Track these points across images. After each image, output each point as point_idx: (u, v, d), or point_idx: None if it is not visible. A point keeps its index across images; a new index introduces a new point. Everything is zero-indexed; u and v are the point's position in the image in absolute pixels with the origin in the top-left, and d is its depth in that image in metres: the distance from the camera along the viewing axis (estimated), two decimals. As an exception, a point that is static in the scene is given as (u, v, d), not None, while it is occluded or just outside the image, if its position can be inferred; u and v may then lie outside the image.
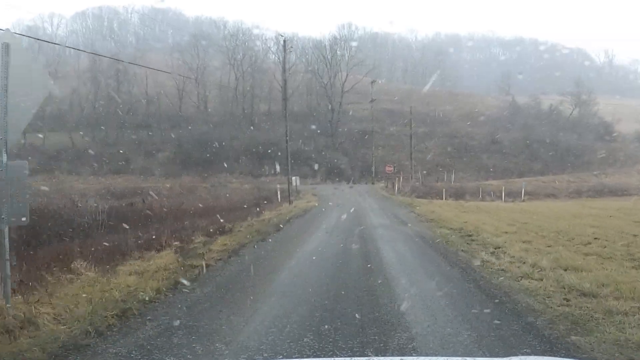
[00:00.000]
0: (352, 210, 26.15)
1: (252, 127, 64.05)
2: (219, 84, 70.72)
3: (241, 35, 73.08)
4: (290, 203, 30.16)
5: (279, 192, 39.39)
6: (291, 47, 55.33)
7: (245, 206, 33.01)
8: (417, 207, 27.24)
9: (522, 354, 4.70)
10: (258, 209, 28.99)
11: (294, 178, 43.76)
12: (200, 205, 33.17)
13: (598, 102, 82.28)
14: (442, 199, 42.52)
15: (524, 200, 38.67)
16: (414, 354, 4.93)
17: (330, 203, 32.05)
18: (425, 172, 58.04)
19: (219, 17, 69.56)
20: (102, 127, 65.60)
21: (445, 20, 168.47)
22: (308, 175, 56.70)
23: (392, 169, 49.30)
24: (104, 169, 59.89)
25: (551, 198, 50.70)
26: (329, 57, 66.67)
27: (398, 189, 42.44)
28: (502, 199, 43.31)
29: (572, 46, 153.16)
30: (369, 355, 4.80)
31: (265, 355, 5.03)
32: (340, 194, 41.48)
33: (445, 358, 4.51)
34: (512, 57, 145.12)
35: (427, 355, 4.97)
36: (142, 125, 67.90)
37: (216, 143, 61.76)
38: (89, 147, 65.07)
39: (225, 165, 58.34)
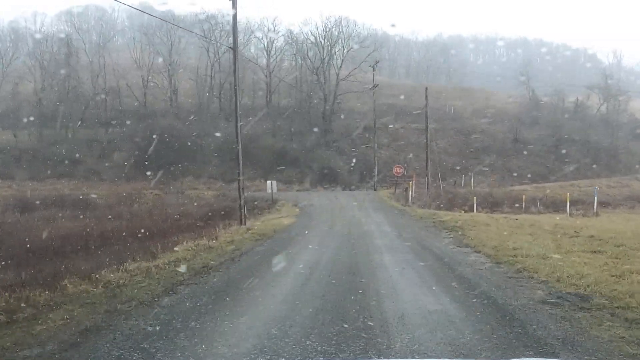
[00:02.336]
0: (346, 240, 12.97)
1: (227, 122, 50.95)
2: (195, 71, 57.76)
3: (220, 17, 59.89)
4: (242, 224, 16.95)
5: (243, 205, 26.50)
6: None
7: (177, 227, 20.18)
8: (467, 232, 14.07)
9: (525, 356, 4.38)
10: (184, 234, 16.27)
11: (269, 182, 30.75)
12: (108, 225, 20.42)
13: (630, 97, 69.36)
14: (473, 210, 29.58)
15: (597, 214, 25.46)
16: (416, 356, 4.54)
17: (312, 222, 18.90)
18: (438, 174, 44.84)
19: (210, 14, 57.38)
20: (51, 125, 52.57)
21: (447, 21, 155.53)
22: (294, 180, 43.58)
23: (401, 170, 36.22)
24: (46, 172, 46.70)
25: (608, 208, 37.70)
26: (321, 39, 53.43)
27: (412, 197, 29.29)
28: (560, 210, 30.27)
29: (578, 46, 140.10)
30: (372, 357, 4.52)
31: (267, 357, 4.43)
32: (333, 205, 28.32)
33: None
34: (516, 58, 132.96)
35: (429, 357, 4.55)
36: (100, 122, 54.94)
37: (184, 141, 48.74)
38: (34, 146, 52.02)
39: (192, 167, 45.34)
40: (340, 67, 53.15)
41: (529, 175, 51.52)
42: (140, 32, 62.07)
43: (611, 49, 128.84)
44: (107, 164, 47.71)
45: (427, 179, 33.33)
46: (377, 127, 48.25)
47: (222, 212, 28.48)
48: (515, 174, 52.83)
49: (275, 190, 29.96)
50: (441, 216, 21.99)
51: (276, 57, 60.64)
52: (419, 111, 53.97)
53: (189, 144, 49.77)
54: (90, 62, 63.59)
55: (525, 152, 55.53)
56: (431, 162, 50.91)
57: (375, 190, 41.73)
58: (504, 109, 67.56)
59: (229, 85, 55.19)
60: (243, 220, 17.01)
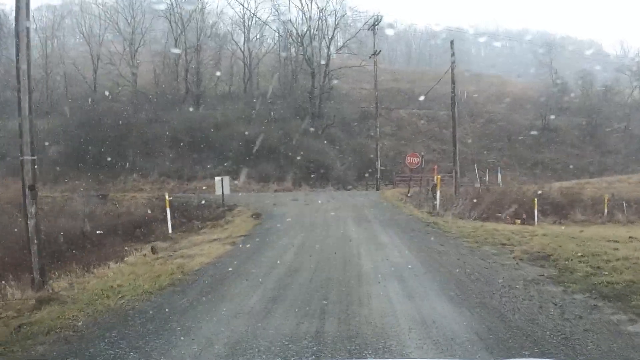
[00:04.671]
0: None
1: (195, 109, 40.02)
2: (159, 49, 46.80)
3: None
4: (37, 288, 5.81)
5: (169, 217, 15.85)
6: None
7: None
8: None
9: (520, 356, 4.18)
10: None
11: (217, 179, 19.61)
12: None
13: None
14: (533, 220, 18.77)
15: None
16: (411, 356, 4.34)
17: (248, 267, 7.80)
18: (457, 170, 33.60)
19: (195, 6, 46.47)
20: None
21: (446, 12, 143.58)
22: (272, 177, 32.45)
23: (418, 160, 25.24)
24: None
25: None
26: (307, 2, 41.96)
27: (439, 203, 18.12)
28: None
29: (583, 38, 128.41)
30: (367, 357, 4.36)
31: (263, 357, 4.26)
32: (315, 215, 17.28)
33: None
34: (519, 49, 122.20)
35: (424, 357, 4.34)
36: (39, 111, 43.75)
37: (137, 132, 37.73)
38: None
39: (142, 162, 34.27)
40: (332, 37, 41.96)
41: (566, 168, 40.64)
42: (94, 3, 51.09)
43: (618, 40, 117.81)
44: (39, 159, 36.58)
45: (455, 174, 22.27)
46: (378, 113, 37.08)
47: (143, 229, 17.51)
48: (549, 168, 41.95)
49: (227, 190, 18.83)
50: (514, 239, 10.94)
51: (256, 34, 49.59)
52: (423, 97, 43.33)
53: (147, 134, 38.75)
54: (41, 46, 52.75)
55: (557, 142, 44.57)
56: (443, 153, 40.15)
57: (378, 189, 30.67)
58: (523, 95, 56.59)
59: (196, 63, 44.23)
60: (40, 278, 5.90)
